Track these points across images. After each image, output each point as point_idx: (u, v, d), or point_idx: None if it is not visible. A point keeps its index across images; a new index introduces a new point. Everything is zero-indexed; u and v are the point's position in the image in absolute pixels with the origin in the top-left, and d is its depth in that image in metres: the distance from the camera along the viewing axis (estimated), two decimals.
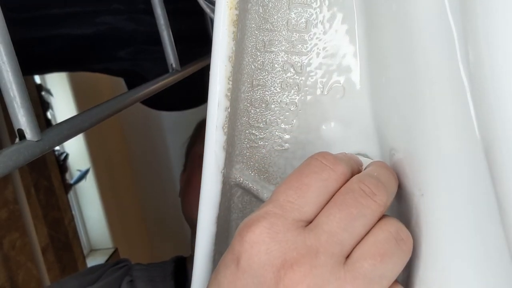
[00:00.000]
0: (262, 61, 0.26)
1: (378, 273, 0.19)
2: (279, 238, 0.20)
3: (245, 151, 0.28)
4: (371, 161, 0.26)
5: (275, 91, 0.27)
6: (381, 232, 0.20)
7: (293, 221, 0.20)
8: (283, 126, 0.27)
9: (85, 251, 1.64)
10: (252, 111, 0.27)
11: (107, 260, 1.67)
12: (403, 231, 0.21)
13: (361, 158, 0.26)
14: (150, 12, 0.46)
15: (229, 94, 0.24)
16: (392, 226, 0.21)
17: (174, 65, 0.47)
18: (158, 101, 0.86)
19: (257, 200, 0.29)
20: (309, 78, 0.26)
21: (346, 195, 0.21)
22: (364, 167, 0.25)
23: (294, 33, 0.25)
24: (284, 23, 0.25)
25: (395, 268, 0.20)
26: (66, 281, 0.55)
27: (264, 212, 0.21)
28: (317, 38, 0.25)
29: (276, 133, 0.27)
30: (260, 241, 0.20)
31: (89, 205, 1.74)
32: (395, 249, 0.20)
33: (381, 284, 0.20)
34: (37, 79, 1.39)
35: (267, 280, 0.19)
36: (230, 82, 0.24)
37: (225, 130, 0.25)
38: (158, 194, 2.01)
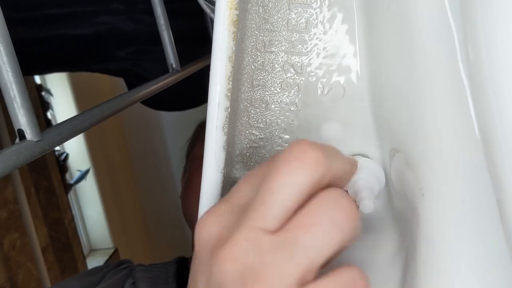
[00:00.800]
0: (262, 61, 0.26)
1: (302, 243, 0.18)
2: (218, 220, 0.20)
3: (245, 151, 0.28)
4: (371, 161, 0.26)
5: (275, 91, 0.27)
6: (317, 202, 0.19)
7: (232, 205, 0.20)
8: (283, 126, 0.27)
9: (85, 251, 1.64)
10: (252, 111, 0.27)
11: (107, 260, 1.67)
12: (345, 210, 0.19)
13: (361, 158, 0.26)
14: (150, 12, 0.46)
15: (229, 94, 0.24)
16: (332, 196, 0.19)
17: (174, 65, 0.47)
18: (158, 101, 0.86)
19: None
20: (309, 78, 0.26)
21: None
22: (363, 167, 0.25)
23: (294, 33, 0.25)
24: (284, 23, 0.25)
25: (325, 241, 0.18)
26: (68, 283, 0.55)
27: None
28: (317, 38, 0.25)
29: (276, 133, 0.27)
30: (205, 226, 0.20)
31: (89, 205, 1.74)
32: (328, 223, 0.18)
33: (307, 254, 0.18)
34: (37, 79, 1.39)
35: (205, 261, 0.19)
36: (230, 82, 0.24)
37: (225, 130, 0.25)
38: (158, 194, 2.01)
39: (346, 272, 0.18)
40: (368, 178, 0.25)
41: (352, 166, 0.23)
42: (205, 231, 0.20)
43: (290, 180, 0.18)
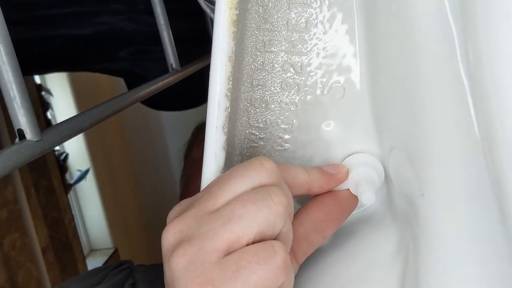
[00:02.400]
0: (262, 61, 0.26)
1: (236, 213, 0.20)
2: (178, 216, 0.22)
3: (245, 151, 0.28)
4: (369, 155, 0.26)
5: (275, 91, 0.27)
6: (258, 190, 0.21)
7: (192, 201, 0.23)
8: (283, 126, 0.27)
9: (85, 251, 1.64)
10: (252, 111, 0.27)
11: (107, 260, 1.67)
12: (278, 197, 0.21)
13: (359, 154, 0.27)
14: (150, 12, 0.46)
15: (229, 94, 0.24)
16: (271, 188, 0.21)
17: (174, 65, 0.47)
18: (158, 101, 0.86)
19: None
20: (309, 78, 0.26)
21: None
22: (362, 162, 0.26)
23: (294, 33, 0.25)
24: (284, 23, 0.25)
25: (257, 215, 0.20)
26: (68, 284, 0.54)
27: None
28: (317, 38, 0.25)
29: (276, 133, 0.27)
30: (170, 226, 0.22)
31: (89, 205, 1.74)
32: (262, 201, 0.20)
33: (239, 223, 0.20)
34: (37, 79, 1.39)
35: (165, 249, 0.21)
36: (230, 82, 0.24)
37: (225, 130, 0.25)
38: (158, 194, 2.01)
39: (268, 242, 0.20)
40: (367, 171, 0.26)
41: (309, 175, 0.25)
42: (169, 230, 0.22)
43: (249, 173, 0.21)
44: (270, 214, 0.20)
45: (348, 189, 0.26)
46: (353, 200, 0.26)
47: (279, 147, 0.28)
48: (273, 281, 0.19)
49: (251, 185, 0.21)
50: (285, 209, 0.21)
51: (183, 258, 0.20)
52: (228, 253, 0.20)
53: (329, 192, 0.26)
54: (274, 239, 0.21)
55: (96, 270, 0.58)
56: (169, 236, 0.21)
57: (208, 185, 0.23)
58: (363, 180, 0.25)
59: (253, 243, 0.20)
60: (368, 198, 0.24)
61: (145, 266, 0.60)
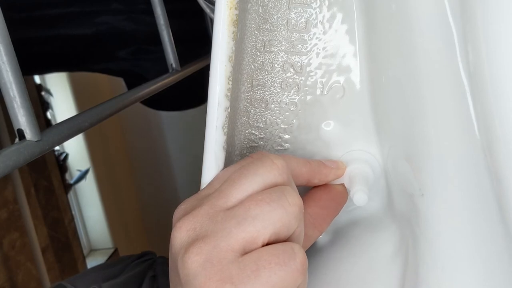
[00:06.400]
0: (262, 61, 0.26)
1: (251, 213, 0.20)
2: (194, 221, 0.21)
3: (245, 151, 0.28)
4: (365, 152, 0.27)
5: (275, 91, 0.27)
6: (272, 190, 0.21)
7: (198, 199, 0.22)
8: (283, 126, 0.27)
9: (85, 251, 1.64)
10: (252, 111, 0.27)
11: (106, 260, 1.67)
12: (292, 197, 0.21)
13: (356, 151, 0.27)
14: (150, 12, 0.46)
15: (229, 94, 0.24)
16: (284, 188, 0.21)
17: (174, 65, 0.47)
18: (158, 101, 0.86)
19: None
20: (309, 78, 0.26)
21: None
22: (357, 158, 0.26)
23: (294, 33, 0.26)
24: (284, 23, 0.25)
25: (271, 216, 0.20)
26: (89, 273, 0.54)
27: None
28: (317, 38, 0.25)
29: (276, 133, 0.27)
30: (181, 224, 0.21)
31: (89, 205, 1.74)
32: (276, 201, 0.20)
33: (254, 224, 0.20)
34: (37, 79, 1.39)
35: (177, 247, 0.21)
36: (230, 82, 0.24)
37: (225, 130, 0.25)
38: (158, 194, 2.01)
39: (287, 243, 0.20)
40: (362, 168, 0.26)
41: (310, 166, 0.25)
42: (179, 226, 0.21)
43: (260, 172, 0.21)
44: (285, 214, 0.20)
45: (342, 183, 0.26)
46: (346, 194, 0.26)
47: (279, 147, 0.28)
48: (291, 283, 0.19)
49: (263, 184, 0.21)
50: (299, 210, 0.21)
51: (199, 256, 0.19)
52: (244, 252, 0.20)
53: (324, 187, 0.26)
54: (287, 239, 0.21)
55: (118, 261, 0.58)
56: (181, 234, 0.21)
57: (213, 182, 0.23)
58: (358, 177, 0.25)
59: (268, 243, 0.20)
60: (360, 199, 0.24)
61: (166, 258, 0.60)
